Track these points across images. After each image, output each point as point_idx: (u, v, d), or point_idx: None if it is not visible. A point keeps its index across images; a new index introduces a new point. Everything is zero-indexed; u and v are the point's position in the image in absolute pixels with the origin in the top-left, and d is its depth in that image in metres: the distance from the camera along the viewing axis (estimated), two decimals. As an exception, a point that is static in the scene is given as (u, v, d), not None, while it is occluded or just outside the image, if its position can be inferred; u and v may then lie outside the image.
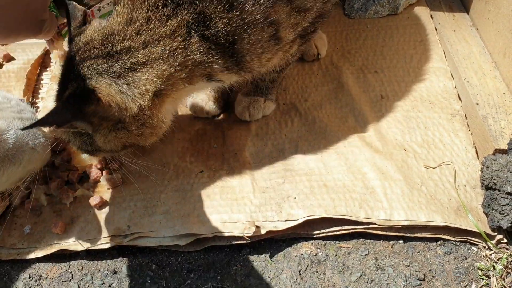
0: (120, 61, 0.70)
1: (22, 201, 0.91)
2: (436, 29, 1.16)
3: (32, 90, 1.11)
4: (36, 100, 1.09)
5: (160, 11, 0.69)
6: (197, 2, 0.68)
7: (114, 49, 0.70)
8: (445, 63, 1.08)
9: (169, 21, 0.69)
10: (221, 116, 1.03)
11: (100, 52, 0.70)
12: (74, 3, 0.78)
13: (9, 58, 1.16)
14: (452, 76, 1.06)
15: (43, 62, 1.16)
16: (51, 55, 1.15)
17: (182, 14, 0.69)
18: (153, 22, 0.69)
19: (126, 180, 0.91)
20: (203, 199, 0.88)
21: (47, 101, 1.06)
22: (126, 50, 0.70)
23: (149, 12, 0.69)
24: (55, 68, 1.13)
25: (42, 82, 1.13)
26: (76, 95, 0.69)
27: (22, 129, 0.73)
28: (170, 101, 0.77)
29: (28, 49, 1.17)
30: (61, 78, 0.74)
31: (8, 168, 0.76)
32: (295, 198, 0.86)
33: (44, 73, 1.15)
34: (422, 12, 1.19)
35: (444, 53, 1.11)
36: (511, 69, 1.00)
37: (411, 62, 1.08)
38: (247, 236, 0.82)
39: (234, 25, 0.70)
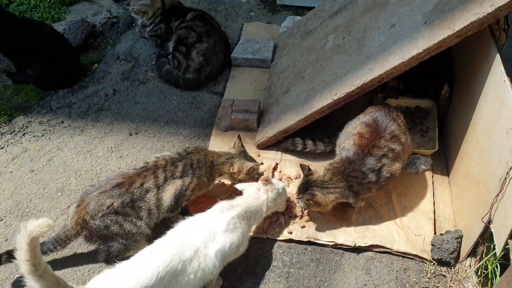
0: (325, 189, 2.48)
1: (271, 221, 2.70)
2: (433, 183, 2.88)
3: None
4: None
5: (338, 178, 2.47)
6: (352, 180, 2.47)
7: (324, 185, 2.48)
8: (431, 204, 2.77)
9: (340, 183, 2.48)
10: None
11: (321, 185, 2.49)
12: (305, 166, 2.60)
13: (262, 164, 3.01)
14: (433, 206, 2.76)
15: (275, 167, 2.99)
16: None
17: (343, 181, 2.47)
18: (338, 181, 2.46)
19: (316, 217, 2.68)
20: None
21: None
22: (328, 187, 2.48)
23: (337, 178, 2.48)
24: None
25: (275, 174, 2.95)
26: (308, 194, 2.49)
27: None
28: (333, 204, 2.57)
29: (267, 160, 3.01)
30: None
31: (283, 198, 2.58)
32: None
33: (275, 173, 2.97)
34: (428, 173, 2.92)
35: (434, 197, 2.81)
36: (458, 205, 2.71)
37: (420, 201, 2.78)
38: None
39: (360, 188, 2.48)
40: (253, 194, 2.48)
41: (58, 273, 2.49)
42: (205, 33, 3.55)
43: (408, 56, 2.42)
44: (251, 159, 2.76)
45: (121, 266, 2.09)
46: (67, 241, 2.38)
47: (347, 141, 2.59)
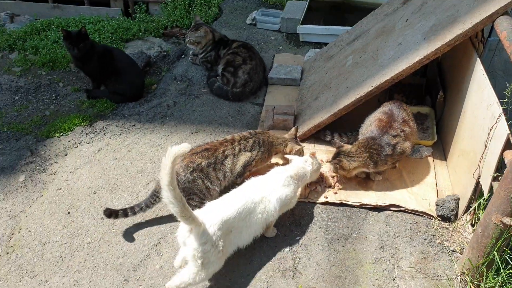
0: (350, 158, 3.29)
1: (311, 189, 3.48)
2: (434, 165, 3.68)
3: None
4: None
5: (362, 150, 3.28)
6: (373, 152, 3.28)
7: (350, 155, 3.28)
8: (434, 179, 3.56)
9: (363, 154, 3.28)
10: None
11: (347, 155, 3.29)
12: (336, 141, 3.42)
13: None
14: (436, 180, 3.56)
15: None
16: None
17: (366, 152, 3.28)
18: (361, 152, 3.27)
19: (345, 182, 3.46)
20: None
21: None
22: (352, 156, 3.27)
23: (361, 150, 3.30)
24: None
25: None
26: (336, 160, 3.29)
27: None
28: (356, 171, 3.37)
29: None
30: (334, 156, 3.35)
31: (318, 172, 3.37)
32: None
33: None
34: (430, 159, 3.73)
35: (435, 174, 3.61)
36: (454, 178, 3.51)
37: (425, 177, 3.58)
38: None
39: (379, 158, 3.29)
40: (301, 164, 3.26)
41: (147, 229, 3.26)
42: (248, 58, 4.47)
43: (413, 61, 3.31)
44: (299, 144, 3.57)
45: (210, 205, 2.84)
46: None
47: (370, 127, 3.42)
